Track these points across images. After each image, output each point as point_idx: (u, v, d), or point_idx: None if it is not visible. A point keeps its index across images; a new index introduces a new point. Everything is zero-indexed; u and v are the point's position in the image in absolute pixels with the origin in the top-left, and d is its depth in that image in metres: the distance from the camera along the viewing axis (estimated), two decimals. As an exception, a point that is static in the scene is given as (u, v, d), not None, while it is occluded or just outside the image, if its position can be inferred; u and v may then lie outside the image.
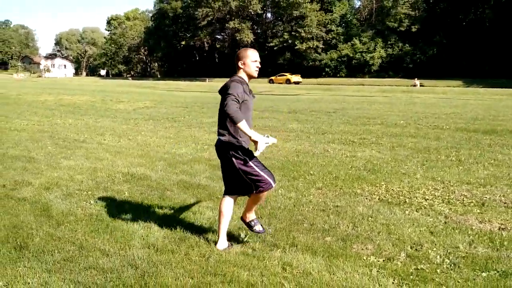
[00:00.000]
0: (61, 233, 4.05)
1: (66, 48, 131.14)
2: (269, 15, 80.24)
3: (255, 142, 3.41)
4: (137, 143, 9.44)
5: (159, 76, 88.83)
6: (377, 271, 3.32)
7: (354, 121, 13.21)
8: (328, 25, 69.42)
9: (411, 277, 3.23)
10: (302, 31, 67.34)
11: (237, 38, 71.71)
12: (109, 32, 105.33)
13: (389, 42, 65.67)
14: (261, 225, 3.93)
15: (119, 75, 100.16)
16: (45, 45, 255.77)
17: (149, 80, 69.18)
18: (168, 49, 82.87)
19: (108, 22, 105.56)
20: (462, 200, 5.27)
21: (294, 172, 6.68)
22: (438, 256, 3.62)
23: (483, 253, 3.70)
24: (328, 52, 68.34)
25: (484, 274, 3.30)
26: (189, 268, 3.32)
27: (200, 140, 9.83)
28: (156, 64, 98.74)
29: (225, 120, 3.55)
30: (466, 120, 13.24)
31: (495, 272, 3.35)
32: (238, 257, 3.53)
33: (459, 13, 61.09)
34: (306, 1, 67.32)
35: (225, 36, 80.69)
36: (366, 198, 5.34)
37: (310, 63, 68.58)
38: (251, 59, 3.64)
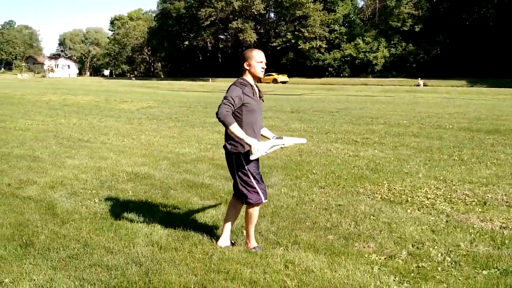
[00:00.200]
0: (66, 231, 4.10)
1: (70, 49, 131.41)
2: (272, 15, 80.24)
3: (250, 146, 3.40)
4: (141, 142, 9.50)
5: (162, 76, 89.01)
6: (379, 269, 3.35)
7: (357, 121, 13.23)
8: (331, 25, 69.33)
9: (412, 274, 3.26)
10: (305, 31, 67.28)
11: (240, 38, 71.75)
12: (113, 32, 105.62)
13: (392, 42, 65.53)
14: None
15: (122, 75, 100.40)
16: (49, 46, 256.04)
17: (153, 80, 69.29)
18: (171, 49, 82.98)
19: (112, 22, 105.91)
20: (464, 199, 5.30)
21: (297, 171, 6.72)
22: (439, 254, 3.65)
23: (484, 252, 3.73)
24: (331, 52, 68.24)
25: (484, 272, 3.33)
26: (192, 266, 3.35)
27: (203, 140, 9.87)
28: (159, 64, 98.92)
29: None
30: (469, 120, 13.23)
31: (496, 270, 3.38)
32: (241, 254, 3.56)
33: (462, 13, 60.90)
34: (309, 1, 67.22)
35: (228, 36, 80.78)
36: (368, 197, 5.37)
37: (313, 63, 68.49)
38: (256, 60, 3.60)
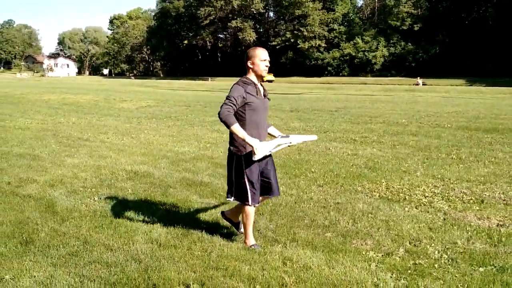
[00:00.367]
0: (66, 229, 4.12)
1: (69, 48, 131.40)
2: (271, 14, 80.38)
3: (251, 147, 3.40)
4: (140, 141, 9.52)
5: (161, 75, 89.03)
6: (376, 266, 3.38)
7: (356, 120, 13.26)
8: (331, 24, 69.42)
9: (409, 271, 3.29)
10: (305, 30, 67.36)
11: (240, 37, 71.84)
12: (112, 31, 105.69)
13: (391, 41, 65.64)
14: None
15: (121, 74, 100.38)
16: (48, 45, 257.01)
17: (152, 79, 69.33)
18: (171, 48, 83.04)
19: (111, 22, 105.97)
20: (461, 197, 5.32)
21: (295, 170, 6.74)
22: (436, 252, 3.68)
23: (481, 249, 3.75)
24: (330, 51, 68.35)
25: (481, 269, 3.36)
26: (191, 263, 3.38)
27: (202, 139, 9.90)
28: (158, 63, 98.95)
29: None
30: (468, 119, 13.27)
31: (492, 267, 3.40)
32: (240, 251, 3.59)
33: (461, 12, 60.97)
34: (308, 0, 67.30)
35: (228, 35, 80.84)
36: (367, 195, 5.40)
37: (313, 62, 68.60)
38: (260, 58, 3.58)
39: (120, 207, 4.81)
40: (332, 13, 69.91)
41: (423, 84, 46.82)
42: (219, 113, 3.39)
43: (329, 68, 67.86)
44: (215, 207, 4.89)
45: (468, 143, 9.15)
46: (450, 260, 3.52)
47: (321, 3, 68.75)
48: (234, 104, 3.42)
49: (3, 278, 3.15)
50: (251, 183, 3.62)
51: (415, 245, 3.84)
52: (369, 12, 78.12)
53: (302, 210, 4.78)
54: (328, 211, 4.77)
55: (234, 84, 3.57)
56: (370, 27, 71.20)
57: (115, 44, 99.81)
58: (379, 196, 5.38)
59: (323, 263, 3.39)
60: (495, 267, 3.40)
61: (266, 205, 4.89)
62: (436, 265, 3.41)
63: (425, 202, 5.11)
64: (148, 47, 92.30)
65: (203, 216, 4.59)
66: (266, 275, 3.17)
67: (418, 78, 49.77)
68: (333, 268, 3.31)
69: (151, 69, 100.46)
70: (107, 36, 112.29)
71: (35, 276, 3.17)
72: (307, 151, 8.30)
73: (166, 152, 8.19)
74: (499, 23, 56.28)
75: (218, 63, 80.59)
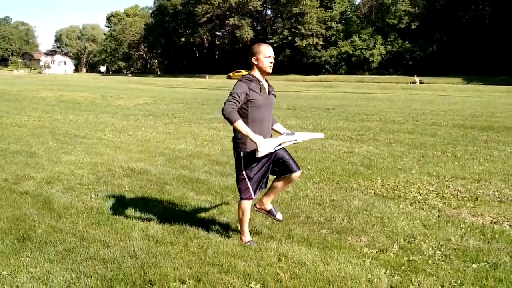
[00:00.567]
0: (63, 225, 4.14)
1: (66, 45, 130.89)
2: (269, 11, 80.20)
3: (255, 144, 3.40)
4: (137, 138, 9.53)
5: (159, 73, 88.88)
6: (370, 262, 3.41)
7: (352, 118, 13.30)
8: (328, 22, 69.37)
9: (403, 267, 3.33)
10: (302, 28, 67.29)
11: (237, 35, 71.75)
12: (109, 28, 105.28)
13: (388, 39, 65.64)
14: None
15: (119, 71, 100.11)
16: (45, 42, 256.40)
17: (149, 77, 69.24)
18: (168, 45, 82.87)
19: (108, 19, 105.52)
20: (456, 194, 5.37)
21: (291, 167, 6.76)
22: (430, 248, 3.72)
23: (474, 246, 3.80)
24: (328, 49, 68.31)
25: (474, 266, 3.40)
26: (187, 259, 3.41)
27: (199, 136, 9.91)
28: (156, 61, 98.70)
29: None
30: (464, 117, 13.33)
31: (485, 263, 3.44)
32: (236, 248, 3.62)
33: (459, 10, 61.00)
34: (306, -2, 67.27)
35: (225, 33, 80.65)
36: (362, 193, 5.44)
37: (310, 60, 68.54)
38: (264, 55, 3.57)
39: (117, 204, 4.84)
40: (329, 11, 69.85)
41: (420, 82, 46.90)
42: (222, 110, 3.40)
43: (326, 66, 67.84)
44: (211, 204, 4.92)
45: (464, 141, 9.20)
46: (443, 257, 3.56)
47: (318, 1, 68.68)
48: (237, 101, 3.43)
49: (0, 274, 3.17)
50: (250, 179, 3.64)
51: (409, 241, 3.88)
52: (367, 10, 78.12)
53: (298, 207, 4.82)
54: (323, 208, 4.81)
55: (237, 81, 3.59)
56: (367, 25, 71.19)
57: (112, 42, 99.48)
58: (374, 193, 5.42)
59: (318, 259, 3.42)
60: (488, 263, 3.44)
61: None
62: (429, 262, 3.45)
63: (420, 199, 5.15)
64: (146, 44, 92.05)
65: (199, 213, 4.62)
66: (262, 271, 3.20)
67: (415, 76, 49.84)
68: (327, 264, 3.34)
69: (149, 66, 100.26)
70: (104, 33, 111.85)
71: (32, 272, 3.19)
72: (303, 148, 8.33)
73: (163, 150, 8.21)
74: (496, 21, 56.35)
75: (215, 60, 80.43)
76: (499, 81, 42.74)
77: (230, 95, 3.45)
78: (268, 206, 3.94)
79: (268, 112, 3.68)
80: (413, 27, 64.84)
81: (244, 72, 59.36)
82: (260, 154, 3.40)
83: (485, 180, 6.03)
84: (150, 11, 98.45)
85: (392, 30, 66.09)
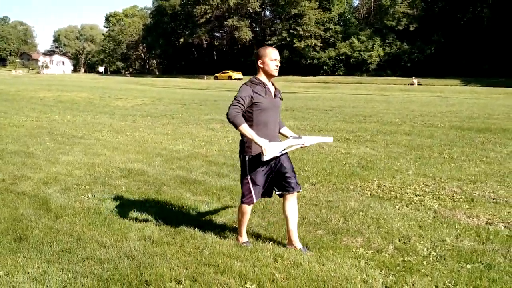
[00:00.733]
0: (60, 226, 4.15)
1: (65, 45, 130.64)
2: (267, 13, 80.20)
3: (260, 147, 3.38)
4: (135, 139, 9.55)
5: (157, 73, 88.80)
6: (365, 263, 3.43)
7: (350, 119, 13.33)
8: (327, 24, 69.40)
9: (398, 268, 3.35)
10: (301, 29, 67.31)
11: (236, 35, 71.72)
12: (108, 29, 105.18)
13: (387, 41, 65.71)
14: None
15: (117, 72, 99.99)
16: (43, 42, 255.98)
17: (148, 77, 69.21)
18: (167, 46, 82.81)
19: (107, 19, 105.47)
20: (451, 196, 5.40)
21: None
22: (425, 249, 3.74)
23: (469, 246, 3.82)
24: (326, 51, 68.35)
25: (468, 266, 3.42)
26: (183, 259, 3.42)
27: (197, 137, 9.93)
28: (154, 61, 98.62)
29: None
30: (461, 119, 13.37)
31: (480, 264, 3.47)
32: (232, 249, 3.63)
33: (457, 12, 61.12)
34: (304, -1, 67.31)
35: (224, 34, 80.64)
36: (358, 194, 5.46)
37: (309, 61, 68.58)
38: (270, 58, 3.56)
39: (114, 204, 4.85)
40: (328, 12, 69.90)
41: (418, 84, 46.98)
42: (227, 114, 3.40)
43: (324, 67, 67.87)
44: (208, 205, 4.94)
45: (461, 143, 9.23)
46: (438, 257, 3.58)
47: (317, 3, 68.71)
48: (242, 105, 3.43)
49: (-3, 273, 3.18)
50: (254, 183, 3.63)
51: (404, 242, 3.90)
52: (365, 12, 78.24)
53: (294, 208, 4.83)
54: (319, 209, 4.83)
55: (242, 84, 3.59)
56: (366, 27, 71.25)
57: (111, 42, 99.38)
58: (370, 194, 5.45)
59: (313, 260, 3.44)
60: (482, 264, 3.47)
61: (259, 203, 4.93)
62: (424, 262, 3.48)
63: (415, 201, 5.17)
64: (144, 45, 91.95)
65: (196, 213, 4.64)
66: (257, 272, 3.22)
67: (413, 78, 49.89)
68: (323, 264, 3.36)
69: (147, 67, 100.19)
70: (103, 34, 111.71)
71: (28, 273, 3.20)
72: (300, 149, 8.34)
73: (161, 150, 8.22)
74: (495, 23, 56.46)
75: (214, 61, 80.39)
76: (496, 83, 42.81)
77: (235, 99, 3.45)
78: (298, 245, 3.73)
79: (274, 115, 3.66)
80: (411, 29, 64.95)
81: (230, 72, 60.47)
82: (266, 157, 3.38)
83: (481, 182, 6.06)
84: (149, 12, 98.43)
85: (390, 32, 66.18)
